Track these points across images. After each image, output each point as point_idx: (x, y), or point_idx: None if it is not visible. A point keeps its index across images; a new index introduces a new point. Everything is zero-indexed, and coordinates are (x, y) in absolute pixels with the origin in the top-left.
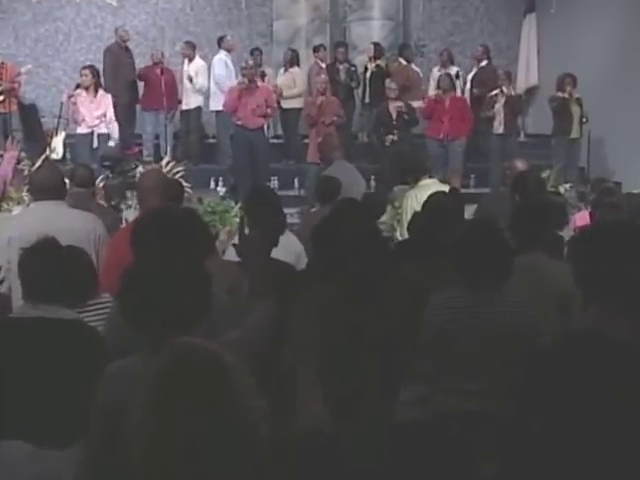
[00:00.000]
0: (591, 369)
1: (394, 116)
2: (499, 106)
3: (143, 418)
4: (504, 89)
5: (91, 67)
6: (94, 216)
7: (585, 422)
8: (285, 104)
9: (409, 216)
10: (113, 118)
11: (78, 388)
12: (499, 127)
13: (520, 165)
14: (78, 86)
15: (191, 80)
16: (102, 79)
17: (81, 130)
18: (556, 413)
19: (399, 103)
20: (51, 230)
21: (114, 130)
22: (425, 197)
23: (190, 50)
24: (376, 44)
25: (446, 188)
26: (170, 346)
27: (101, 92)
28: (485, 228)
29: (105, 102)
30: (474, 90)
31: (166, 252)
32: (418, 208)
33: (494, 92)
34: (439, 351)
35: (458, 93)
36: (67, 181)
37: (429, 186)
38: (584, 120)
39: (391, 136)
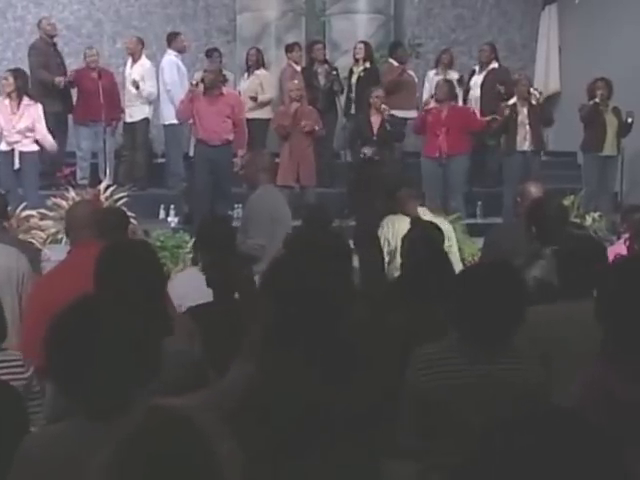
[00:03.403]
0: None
1: (375, 129)
2: (522, 117)
3: None
4: (533, 93)
5: (16, 71)
6: (17, 251)
7: None
8: (249, 114)
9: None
10: (46, 131)
11: None
12: (524, 143)
13: (534, 190)
14: None
15: (137, 87)
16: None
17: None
18: None
19: (385, 109)
20: None
21: (51, 145)
22: (403, 227)
23: (136, 46)
24: (366, 44)
25: (438, 219)
26: (144, 418)
27: (27, 101)
28: (495, 268)
29: (32, 113)
30: (484, 98)
31: (102, 301)
32: (392, 240)
33: (511, 101)
34: (427, 418)
35: (459, 102)
36: None
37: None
38: (630, 120)
39: (368, 147)
